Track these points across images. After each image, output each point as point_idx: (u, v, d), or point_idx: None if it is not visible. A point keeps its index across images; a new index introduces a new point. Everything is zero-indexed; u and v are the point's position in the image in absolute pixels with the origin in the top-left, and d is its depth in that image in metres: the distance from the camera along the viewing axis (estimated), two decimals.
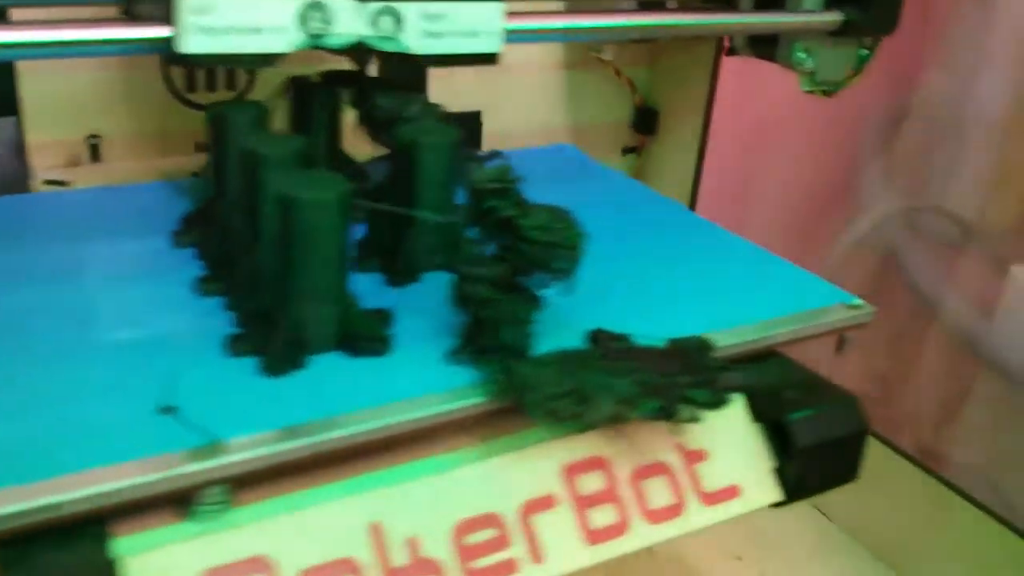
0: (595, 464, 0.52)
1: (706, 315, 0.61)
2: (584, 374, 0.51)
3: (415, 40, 0.64)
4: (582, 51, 1.21)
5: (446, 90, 1.13)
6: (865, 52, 0.92)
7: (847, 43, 0.90)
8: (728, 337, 0.58)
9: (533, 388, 0.49)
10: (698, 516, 0.53)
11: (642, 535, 0.51)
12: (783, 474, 0.56)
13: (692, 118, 1.24)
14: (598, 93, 1.25)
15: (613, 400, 0.50)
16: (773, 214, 1.20)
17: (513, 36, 0.69)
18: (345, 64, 0.71)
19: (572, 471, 0.51)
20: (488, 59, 0.68)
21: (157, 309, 0.57)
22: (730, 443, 0.56)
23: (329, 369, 0.52)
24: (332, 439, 0.46)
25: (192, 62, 0.58)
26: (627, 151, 1.31)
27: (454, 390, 0.50)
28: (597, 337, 0.56)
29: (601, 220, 0.76)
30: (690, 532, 0.53)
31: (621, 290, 0.64)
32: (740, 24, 0.84)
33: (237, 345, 0.52)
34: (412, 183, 0.62)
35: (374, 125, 0.68)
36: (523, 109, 1.21)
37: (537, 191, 0.83)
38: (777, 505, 0.56)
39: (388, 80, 0.74)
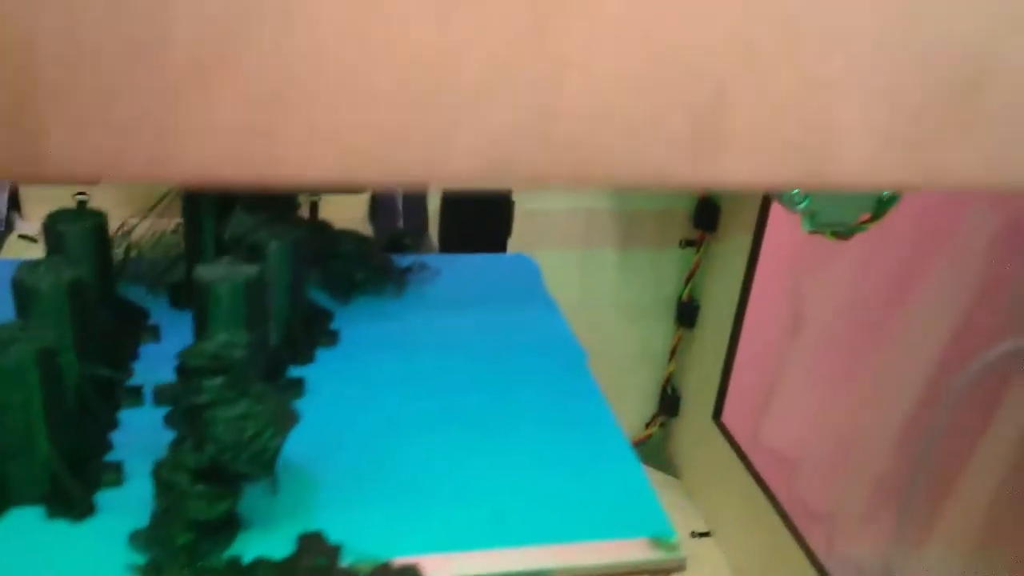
0: None
1: (477, 528, 0.54)
2: None
3: None
4: None
5: None
6: (887, 193, 0.77)
7: None
8: (469, 564, 0.52)
9: None
10: None
11: None
12: None
13: (750, 220, 1.11)
14: None
15: None
16: (823, 335, 1.05)
17: None
18: None
19: None
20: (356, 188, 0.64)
21: None
22: None
23: (12, 528, 0.51)
24: None
25: None
26: (687, 244, 1.21)
27: None
28: (302, 547, 0.51)
29: (476, 368, 0.70)
30: None
31: (410, 473, 0.58)
32: None
33: None
34: (202, 320, 0.60)
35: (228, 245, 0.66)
36: (564, 190, 1.14)
37: (445, 310, 0.78)
38: None
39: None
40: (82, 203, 0.67)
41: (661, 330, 1.22)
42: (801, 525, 1.03)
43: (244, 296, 0.59)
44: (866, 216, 0.80)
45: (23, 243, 0.88)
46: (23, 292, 0.56)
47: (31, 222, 0.91)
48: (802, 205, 0.77)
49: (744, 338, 1.15)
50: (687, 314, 1.20)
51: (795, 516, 1.04)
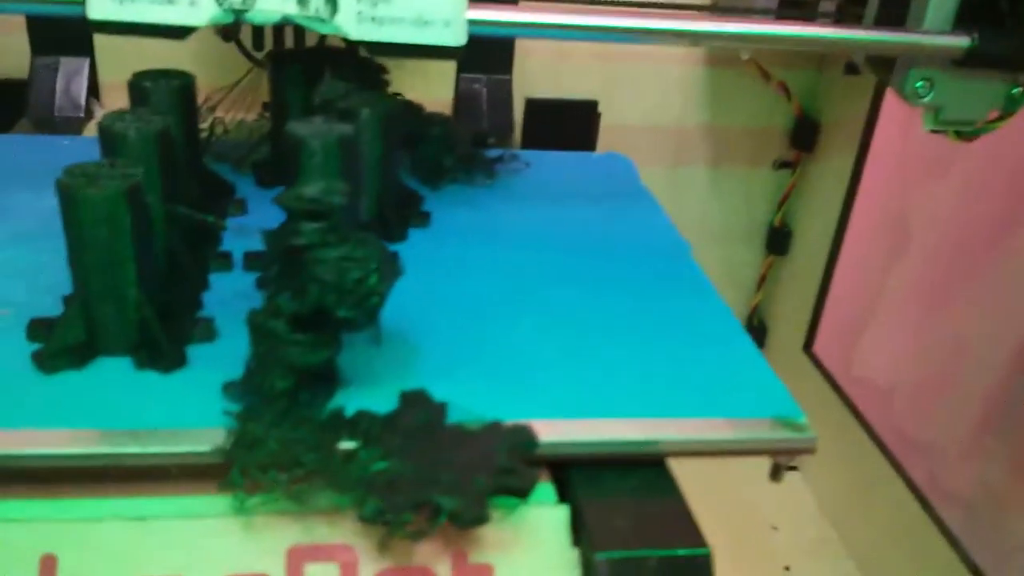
0: (336, 553, 0.44)
1: (585, 398, 0.50)
2: (324, 449, 0.43)
3: (350, 25, 0.58)
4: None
5: (553, 73, 1.04)
6: (1019, 90, 0.70)
7: (990, 76, 0.69)
8: (578, 431, 0.48)
9: (250, 449, 0.42)
10: None
11: None
12: None
13: (852, 139, 1.04)
14: (747, 96, 1.09)
15: (333, 489, 0.42)
16: (928, 258, 0.98)
17: (485, 28, 0.60)
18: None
19: (302, 555, 0.44)
20: (448, 53, 0.59)
21: (11, 277, 0.56)
22: (530, 567, 0.45)
23: (100, 377, 0.48)
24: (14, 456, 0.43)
25: (100, 29, 0.56)
26: (782, 165, 1.14)
27: (190, 431, 0.45)
28: (406, 403, 0.47)
29: (574, 257, 0.66)
30: None
31: (513, 346, 0.54)
32: (827, 40, 0.67)
33: (32, 331, 0.50)
34: (293, 175, 0.56)
35: (318, 109, 0.63)
36: (652, 104, 1.08)
37: (538, 201, 0.74)
38: None
39: (361, 64, 0.68)
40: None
41: (750, 257, 1.16)
42: (899, 456, 0.98)
43: (338, 153, 0.55)
44: (995, 114, 0.73)
45: None
46: (110, 138, 0.53)
47: (110, 109, 0.88)
48: (926, 99, 0.71)
49: (841, 264, 1.08)
50: (778, 240, 1.14)
51: (893, 447, 0.99)
